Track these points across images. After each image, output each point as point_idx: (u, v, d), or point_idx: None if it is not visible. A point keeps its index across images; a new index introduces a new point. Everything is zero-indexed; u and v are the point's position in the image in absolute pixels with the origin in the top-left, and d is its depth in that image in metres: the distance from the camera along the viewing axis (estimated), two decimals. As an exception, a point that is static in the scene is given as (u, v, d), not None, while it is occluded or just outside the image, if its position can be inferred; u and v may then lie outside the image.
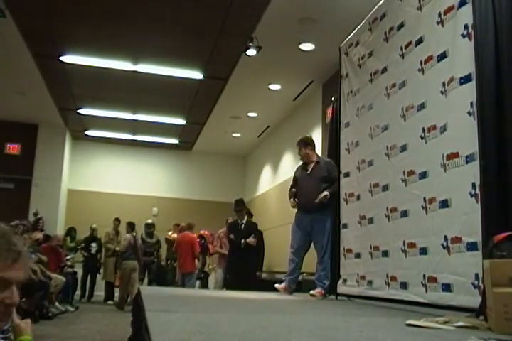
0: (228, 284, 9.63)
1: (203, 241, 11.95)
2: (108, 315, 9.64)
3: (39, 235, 10.29)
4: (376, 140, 5.04)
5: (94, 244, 12.40)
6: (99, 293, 12.46)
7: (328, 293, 5.80)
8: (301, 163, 6.52)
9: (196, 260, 11.37)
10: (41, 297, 7.79)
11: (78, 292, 12.07)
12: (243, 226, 9.38)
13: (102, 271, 12.48)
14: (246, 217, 9.58)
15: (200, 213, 13.95)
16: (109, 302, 12.07)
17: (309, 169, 6.29)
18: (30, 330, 1.85)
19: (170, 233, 12.92)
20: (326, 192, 5.98)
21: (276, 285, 6.17)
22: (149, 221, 12.65)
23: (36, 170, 13.56)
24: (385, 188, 4.75)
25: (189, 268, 11.00)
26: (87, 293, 12.48)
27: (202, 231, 12.29)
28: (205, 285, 12.29)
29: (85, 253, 12.38)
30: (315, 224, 6.03)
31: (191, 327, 2.42)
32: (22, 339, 1.78)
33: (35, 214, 12.27)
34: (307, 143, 6.38)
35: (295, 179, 6.48)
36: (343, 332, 2.51)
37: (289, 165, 11.69)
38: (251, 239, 9.17)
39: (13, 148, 13.53)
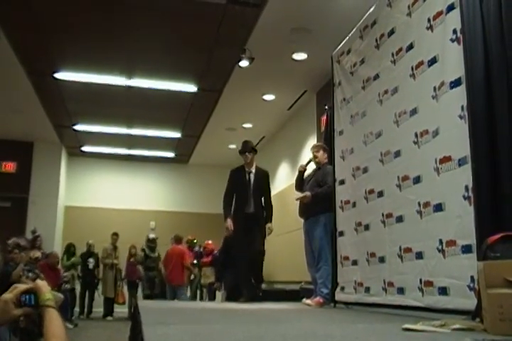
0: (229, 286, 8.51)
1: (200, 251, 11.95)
2: (108, 331, 9.59)
3: (37, 253, 10.24)
4: (370, 146, 5.05)
5: (91, 259, 12.32)
6: (98, 309, 12.38)
7: (329, 301, 5.74)
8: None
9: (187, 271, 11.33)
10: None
11: (77, 308, 11.98)
12: (252, 176, 6.86)
13: (100, 286, 12.41)
14: (255, 165, 6.97)
15: (199, 226, 13.91)
16: (109, 318, 12.00)
17: (313, 174, 6.32)
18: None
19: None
20: (307, 193, 5.96)
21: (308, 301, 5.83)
22: (152, 236, 12.57)
23: (33, 187, 13.50)
24: (380, 194, 4.75)
25: (180, 281, 10.95)
26: (85, 309, 12.39)
27: (206, 242, 12.26)
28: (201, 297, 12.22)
29: (81, 271, 12.27)
30: (310, 230, 5.99)
31: (188, 338, 2.41)
32: (47, 298, 1.80)
33: (33, 232, 12.19)
34: (326, 149, 6.37)
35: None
36: (339, 339, 2.49)
37: (285, 174, 11.68)
38: (270, 225, 6.67)
39: (9, 166, 13.46)
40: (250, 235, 6.47)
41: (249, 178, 6.82)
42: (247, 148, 6.88)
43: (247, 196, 6.67)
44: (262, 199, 6.80)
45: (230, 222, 6.51)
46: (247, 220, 6.54)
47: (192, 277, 11.97)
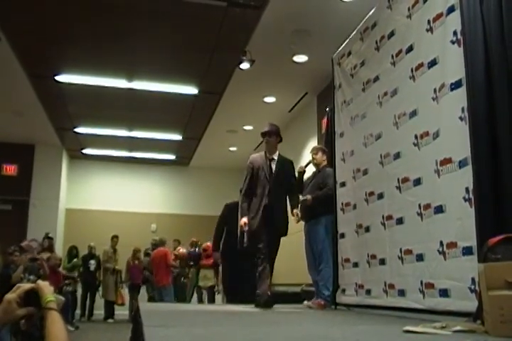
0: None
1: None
2: (109, 334, 9.57)
3: (55, 255, 10.25)
4: (370, 148, 5.05)
5: (92, 261, 12.30)
6: (99, 311, 12.36)
7: (330, 303, 5.72)
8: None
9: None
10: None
11: (78, 311, 11.96)
12: (274, 163, 5.96)
13: (101, 288, 12.39)
14: (278, 153, 6.12)
15: (199, 228, 13.80)
16: (110, 320, 11.99)
17: (313, 177, 6.32)
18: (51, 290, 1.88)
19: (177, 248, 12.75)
20: (308, 196, 5.94)
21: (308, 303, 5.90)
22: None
23: (34, 190, 13.50)
24: (380, 196, 4.74)
25: (164, 282, 10.95)
26: (86, 311, 12.38)
27: (206, 244, 12.18)
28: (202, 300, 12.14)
29: (82, 273, 12.25)
30: (310, 232, 5.99)
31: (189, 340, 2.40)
32: (48, 300, 1.79)
33: (47, 234, 12.02)
34: (325, 151, 6.41)
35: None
36: (340, 341, 2.49)
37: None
38: (296, 211, 5.84)
39: (10, 169, 13.46)
40: (267, 230, 5.64)
41: (270, 165, 5.92)
42: (265, 133, 6.16)
43: (266, 184, 5.77)
44: (284, 191, 5.92)
45: (245, 220, 5.70)
46: (264, 211, 5.65)
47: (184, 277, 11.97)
